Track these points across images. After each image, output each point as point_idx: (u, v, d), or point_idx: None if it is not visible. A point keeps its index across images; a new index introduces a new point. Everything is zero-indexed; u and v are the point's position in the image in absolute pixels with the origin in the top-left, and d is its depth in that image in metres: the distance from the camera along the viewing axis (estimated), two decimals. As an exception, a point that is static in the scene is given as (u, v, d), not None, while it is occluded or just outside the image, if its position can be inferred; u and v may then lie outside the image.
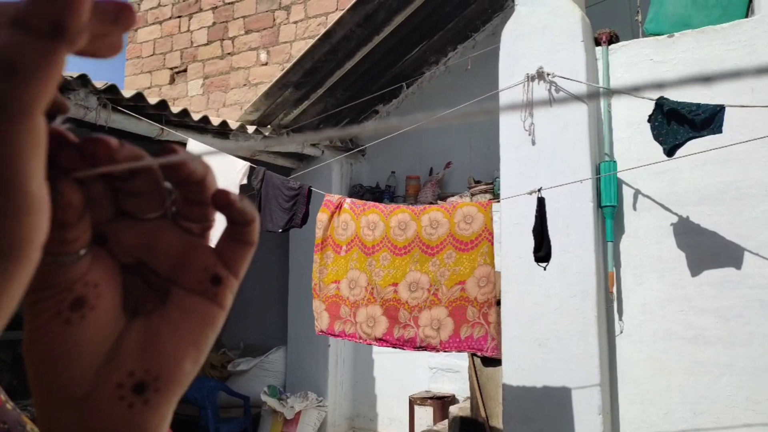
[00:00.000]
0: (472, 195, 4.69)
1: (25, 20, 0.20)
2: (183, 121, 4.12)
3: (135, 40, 6.87)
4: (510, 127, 3.43)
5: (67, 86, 3.48)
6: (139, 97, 3.80)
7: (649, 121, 2.97)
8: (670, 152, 2.87)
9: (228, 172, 3.56)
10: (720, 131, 2.73)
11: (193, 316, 0.26)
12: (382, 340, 3.06)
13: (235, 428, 4.78)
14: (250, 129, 4.65)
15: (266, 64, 6.09)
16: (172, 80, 6.61)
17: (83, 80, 3.51)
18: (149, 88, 6.68)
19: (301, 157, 5.30)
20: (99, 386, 0.25)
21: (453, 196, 4.90)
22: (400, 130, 3.97)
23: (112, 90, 3.66)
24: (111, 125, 3.74)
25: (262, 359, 5.19)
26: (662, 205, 3.19)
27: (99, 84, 3.62)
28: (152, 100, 3.91)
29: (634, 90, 2.51)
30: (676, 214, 3.16)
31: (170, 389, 0.26)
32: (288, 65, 5.08)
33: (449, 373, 4.74)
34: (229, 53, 6.29)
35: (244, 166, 3.51)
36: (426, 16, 4.62)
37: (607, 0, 4.12)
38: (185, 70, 6.53)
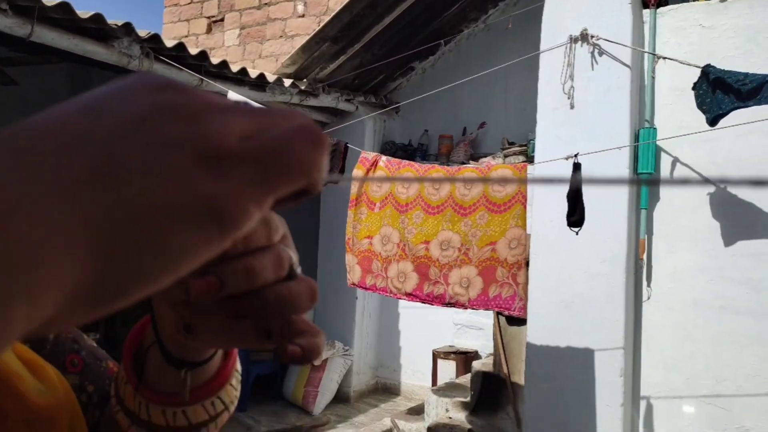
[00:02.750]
0: (505, 156, 4.68)
1: (267, 175, 0.21)
2: (221, 72, 4.17)
3: (173, -13, 6.87)
4: (549, 89, 3.40)
5: (111, 33, 3.55)
6: (180, 47, 3.85)
7: (693, 88, 2.91)
8: (713, 122, 2.82)
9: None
10: (767, 102, 2.68)
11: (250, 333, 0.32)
12: (412, 296, 3.16)
13: (265, 370, 5.02)
14: (287, 82, 4.68)
15: (303, 16, 6.05)
16: (209, 30, 6.63)
17: (127, 28, 3.57)
18: (186, 36, 6.71)
19: (335, 112, 5.33)
20: (167, 317, 0.36)
21: (486, 156, 4.90)
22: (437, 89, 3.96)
23: (155, 39, 3.72)
24: (153, 74, 3.81)
25: (291, 308, 5.37)
26: (700, 175, 3.16)
27: (142, 33, 3.68)
28: (192, 50, 3.96)
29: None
30: (714, 183, 3.13)
31: (205, 341, 0.36)
32: (325, 18, 5.05)
33: (473, 330, 4.86)
34: (266, 3, 6.26)
35: (282, 119, 3.57)
36: (468, -29, 4.52)
37: (659, -41, 3.96)
38: (222, 20, 6.53)
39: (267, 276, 0.29)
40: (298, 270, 0.31)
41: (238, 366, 0.45)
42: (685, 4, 3.41)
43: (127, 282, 0.20)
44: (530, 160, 4.04)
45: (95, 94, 0.21)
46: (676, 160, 3.23)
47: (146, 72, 0.23)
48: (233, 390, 0.44)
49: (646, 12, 3.38)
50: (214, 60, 4.10)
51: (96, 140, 0.19)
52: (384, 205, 3.35)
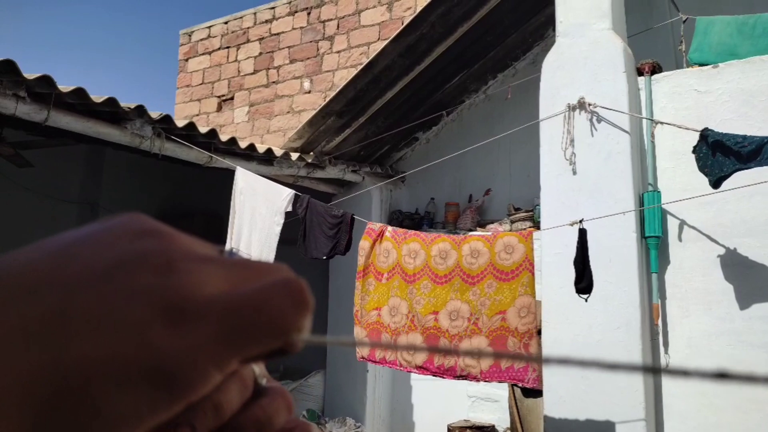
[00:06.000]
0: (512, 222, 4.69)
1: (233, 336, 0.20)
2: (230, 148, 4.28)
3: (185, 69, 7.19)
4: (551, 156, 3.45)
5: (124, 116, 3.68)
6: (191, 126, 3.98)
7: (694, 152, 2.95)
8: (715, 184, 2.84)
9: (274, 199, 3.69)
10: (767, 163, 2.70)
11: None
12: (422, 368, 3.09)
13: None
14: (294, 156, 4.79)
15: (309, 92, 6.27)
16: (219, 108, 6.87)
17: (140, 111, 3.71)
18: (197, 115, 6.96)
19: (341, 183, 5.41)
20: None
21: (492, 223, 4.91)
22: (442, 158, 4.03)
23: (166, 120, 3.85)
24: (164, 153, 3.93)
25: (301, 383, 5.25)
26: (708, 237, 3.14)
27: (154, 114, 3.81)
28: (202, 129, 4.08)
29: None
30: (723, 245, 3.10)
31: None
32: (330, 93, 5.24)
33: (488, 403, 4.70)
34: (274, 82, 6.52)
35: (289, 193, 3.62)
36: (467, 45, 4.70)
37: (650, 30, 4.12)
38: (232, 98, 6.78)
39: (234, 405, 0.26)
40: (264, 381, 0.28)
41: None
42: (678, 70, 3.51)
43: None
44: (537, 225, 4.04)
45: (74, 235, 0.21)
46: (683, 223, 3.22)
47: (134, 216, 0.22)
48: None
49: (641, 79, 3.48)
50: (224, 137, 4.22)
51: (56, 288, 0.19)
52: (391, 276, 3.33)
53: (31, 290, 0.19)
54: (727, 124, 3.07)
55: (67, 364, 0.18)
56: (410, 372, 3.24)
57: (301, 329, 0.21)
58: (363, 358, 3.33)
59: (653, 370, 0.22)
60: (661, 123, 3.30)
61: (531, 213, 4.60)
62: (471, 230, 4.79)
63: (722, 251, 3.09)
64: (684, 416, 3.01)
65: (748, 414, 2.87)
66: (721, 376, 0.20)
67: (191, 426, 0.24)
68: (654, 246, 3.17)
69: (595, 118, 3.35)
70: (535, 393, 3.26)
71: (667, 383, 3.08)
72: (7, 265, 0.19)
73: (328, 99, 4.87)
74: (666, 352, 3.10)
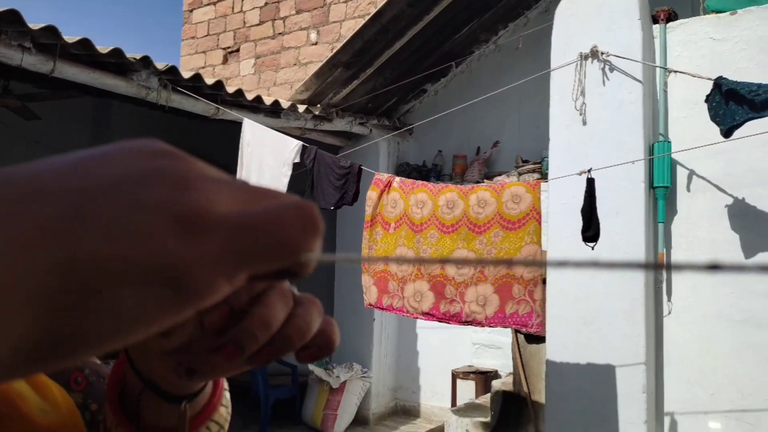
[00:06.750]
0: (520, 174, 4.68)
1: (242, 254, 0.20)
2: (237, 100, 4.26)
3: (190, 21, 7.08)
4: (560, 107, 3.42)
5: (130, 67, 3.66)
6: (197, 77, 3.95)
7: (706, 101, 2.91)
8: (727, 133, 2.81)
9: (281, 150, 3.69)
10: (781, 112, 2.66)
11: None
12: (428, 315, 3.16)
13: (284, 395, 5.00)
14: (301, 108, 4.76)
15: (316, 43, 6.18)
16: (225, 60, 6.79)
17: (145, 62, 3.68)
18: (203, 67, 6.88)
19: (349, 136, 5.39)
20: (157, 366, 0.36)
21: (500, 175, 4.91)
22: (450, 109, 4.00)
23: (173, 71, 3.82)
24: (170, 104, 3.91)
25: (309, 331, 5.36)
26: (717, 187, 3.14)
27: (160, 65, 3.78)
28: (209, 80, 4.05)
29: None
30: (731, 195, 3.10)
31: (208, 378, 0.35)
32: (338, 45, 5.15)
33: (492, 349, 4.81)
34: (280, 33, 6.41)
35: (297, 144, 3.62)
36: (477, -7, 4.59)
37: (666, -25, 3.99)
38: (238, 50, 6.69)
39: (280, 319, 0.27)
40: (295, 290, 0.30)
41: (226, 385, 0.45)
42: (695, 18, 3.42)
43: (70, 343, 0.19)
44: (545, 177, 4.04)
45: (93, 151, 0.21)
46: (692, 173, 3.21)
47: (150, 139, 0.23)
48: (225, 410, 0.44)
49: (656, 27, 3.40)
50: (230, 89, 4.19)
51: (72, 192, 0.19)
52: (399, 226, 3.37)
53: (49, 193, 0.19)
54: (743, 73, 3.02)
55: (81, 262, 0.18)
56: (417, 318, 3.31)
57: (310, 250, 0.22)
58: (370, 305, 3.41)
59: (649, 266, 0.23)
60: (675, 72, 3.24)
61: (539, 165, 4.59)
62: (478, 182, 4.80)
63: (730, 201, 3.09)
64: (684, 362, 3.08)
65: (747, 359, 2.93)
66: (714, 267, 0.19)
67: (239, 346, 0.26)
68: (662, 196, 3.18)
69: (607, 68, 3.29)
70: (539, 339, 3.34)
71: (669, 329, 3.14)
72: (25, 170, 0.20)
73: (335, 50, 4.80)
74: (669, 299, 3.14)
